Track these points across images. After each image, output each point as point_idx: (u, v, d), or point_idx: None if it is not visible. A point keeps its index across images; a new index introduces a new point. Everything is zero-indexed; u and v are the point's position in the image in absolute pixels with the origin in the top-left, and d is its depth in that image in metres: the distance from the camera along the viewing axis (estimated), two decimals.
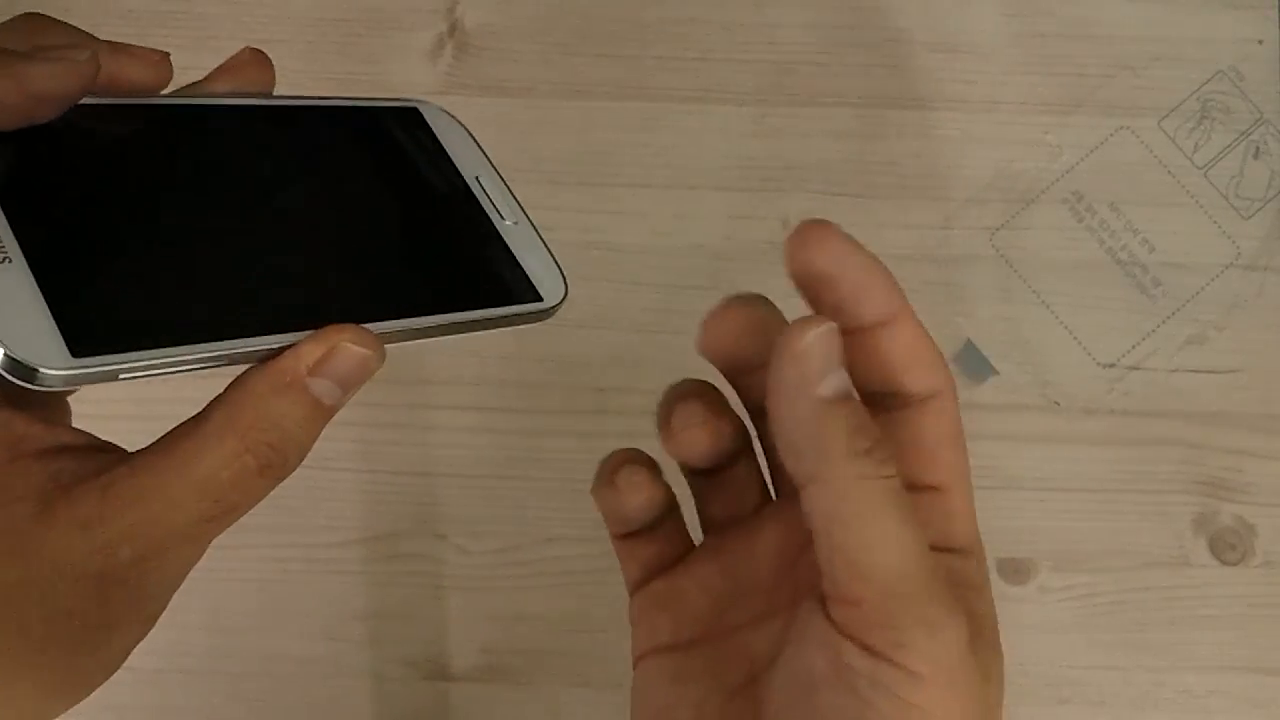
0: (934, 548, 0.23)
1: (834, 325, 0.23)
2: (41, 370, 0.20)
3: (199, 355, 0.22)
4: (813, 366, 0.22)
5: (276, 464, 0.23)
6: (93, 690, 0.24)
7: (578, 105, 0.52)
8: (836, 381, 0.22)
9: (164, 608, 0.25)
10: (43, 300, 0.21)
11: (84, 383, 0.21)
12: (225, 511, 0.23)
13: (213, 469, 0.22)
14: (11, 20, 0.24)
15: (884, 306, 0.24)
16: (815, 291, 0.24)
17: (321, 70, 0.53)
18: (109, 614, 0.23)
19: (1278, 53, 0.53)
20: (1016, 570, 0.48)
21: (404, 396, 0.49)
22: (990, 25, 0.54)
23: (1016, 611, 0.48)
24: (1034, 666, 0.47)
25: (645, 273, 0.50)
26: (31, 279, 0.21)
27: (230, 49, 0.53)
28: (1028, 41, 0.53)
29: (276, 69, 0.57)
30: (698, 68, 0.53)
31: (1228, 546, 0.48)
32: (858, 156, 0.52)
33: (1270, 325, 0.50)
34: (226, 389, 0.23)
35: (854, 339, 0.24)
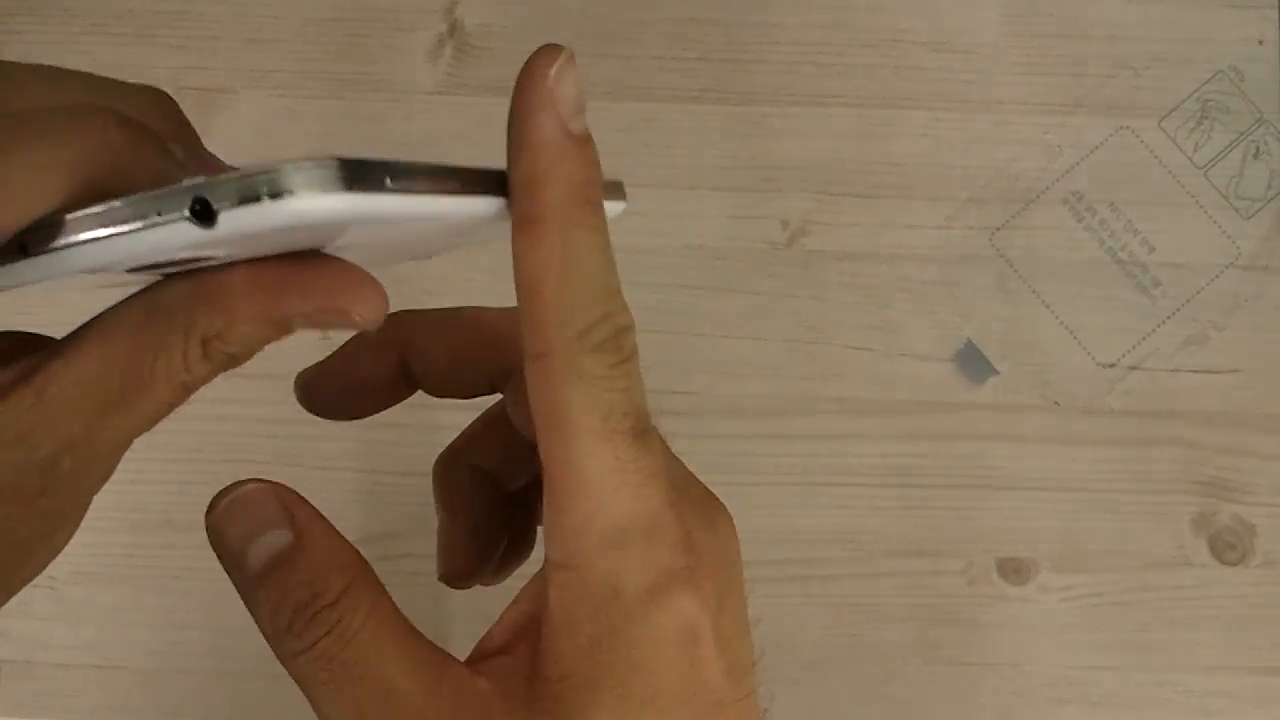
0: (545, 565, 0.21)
1: (259, 485, 0.21)
2: (312, 170, 0.17)
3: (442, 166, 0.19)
4: (229, 547, 0.21)
5: (231, 366, 0.21)
6: (10, 599, 0.22)
7: None
8: (256, 553, 0.21)
9: (93, 498, 0.22)
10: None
11: (357, 199, 0.17)
12: (174, 408, 0.21)
13: (170, 370, 0.20)
14: (146, 91, 0.22)
15: (517, 206, 0.21)
16: None
17: (321, 70, 0.53)
18: (45, 527, 0.21)
19: (1278, 53, 0.53)
20: (1016, 570, 0.48)
21: None
22: (990, 25, 0.54)
23: (1016, 611, 0.48)
24: (1034, 666, 0.47)
25: (645, 273, 0.50)
26: None
27: (230, 49, 0.53)
28: (1028, 41, 0.53)
29: (276, 69, 0.57)
30: (698, 68, 0.53)
31: (1228, 546, 0.48)
32: (858, 156, 0.52)
33: (1270, 325, 0.50)
34: (195, 282, 0.20)
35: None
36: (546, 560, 0.21)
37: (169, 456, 0.48)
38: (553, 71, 0.20)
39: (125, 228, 0.18)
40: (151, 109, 0.21)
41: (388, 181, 0.18)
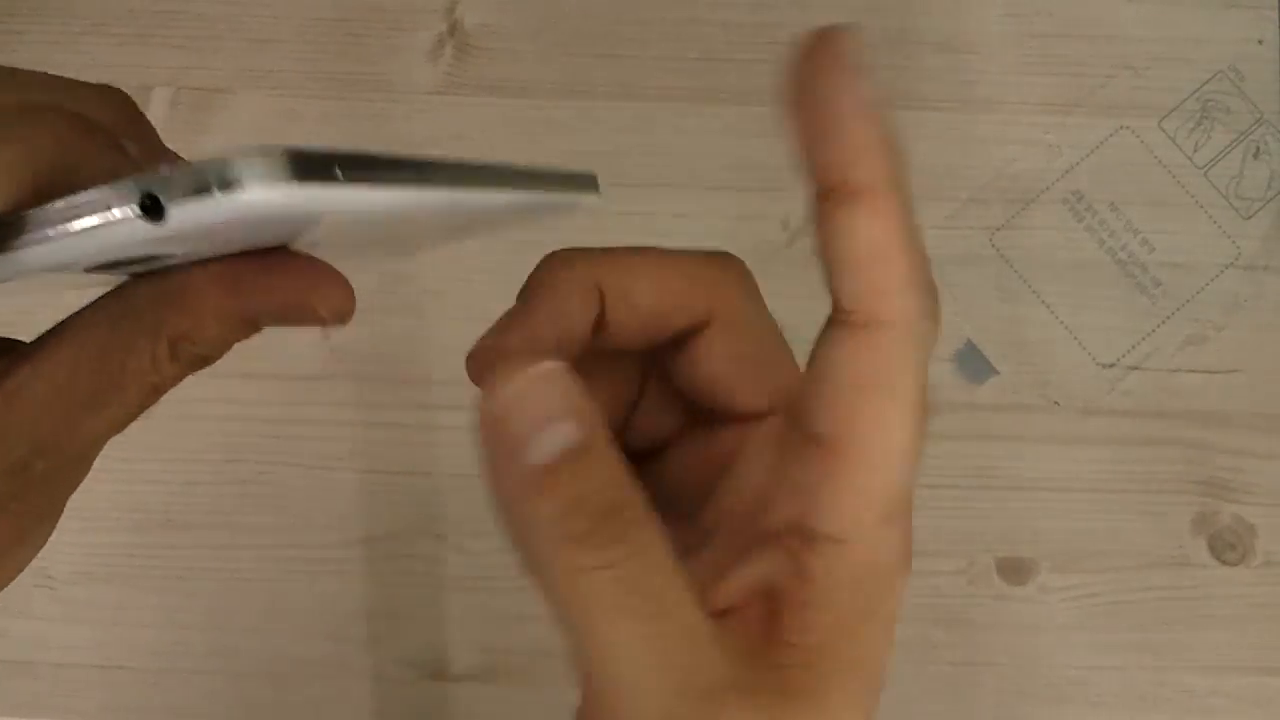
0: (775, 531, 0.20)
1: (554, 366, 0.18)
2: (255, 161, 0.16)
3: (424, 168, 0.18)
4: (512, 431, 0.18)
5: (200, 367, 0.21)
6: None
7: (578, 105, 0.52)
8: (548, 443, 0.18)
9: (68, 499, 0.22)
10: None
11: (306, 190, 0.17)
12: (144, 409, 0.21)
13: (140, 371, 0.20)
14: (102, 91, 0.22)
15: (852, 178, 0.19)
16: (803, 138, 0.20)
17: (321, 70, 0.53)
18: (19, 531, 0.21)
19: (1278, 53, 0.53)
20: (1016, 570, 0.48)
21: (404, 396, 0.49)
22: (990, 25, 0.54)
23: (1016, 611, 0.48)
24: (1034, 666, 0.47)
25: None
26: None
27: (230, 49, 0.53)
28: (1028, 41, 0.53)
29: (276, 69, 0.57)
30: (698, 68, 0.53)
31: (1228, 546, 0.48)
32: None
33: (1270, 325, 0.50)
34: (161, 282, 0.20)
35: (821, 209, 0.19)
36: (799, 528, 0.20)
37: (169, 456, 0.48)
38: (854, 47, 0.19)
39: (75, 226, 0.18)
40: (105, 107, 0.21)
41: (338, 173, 0.17)
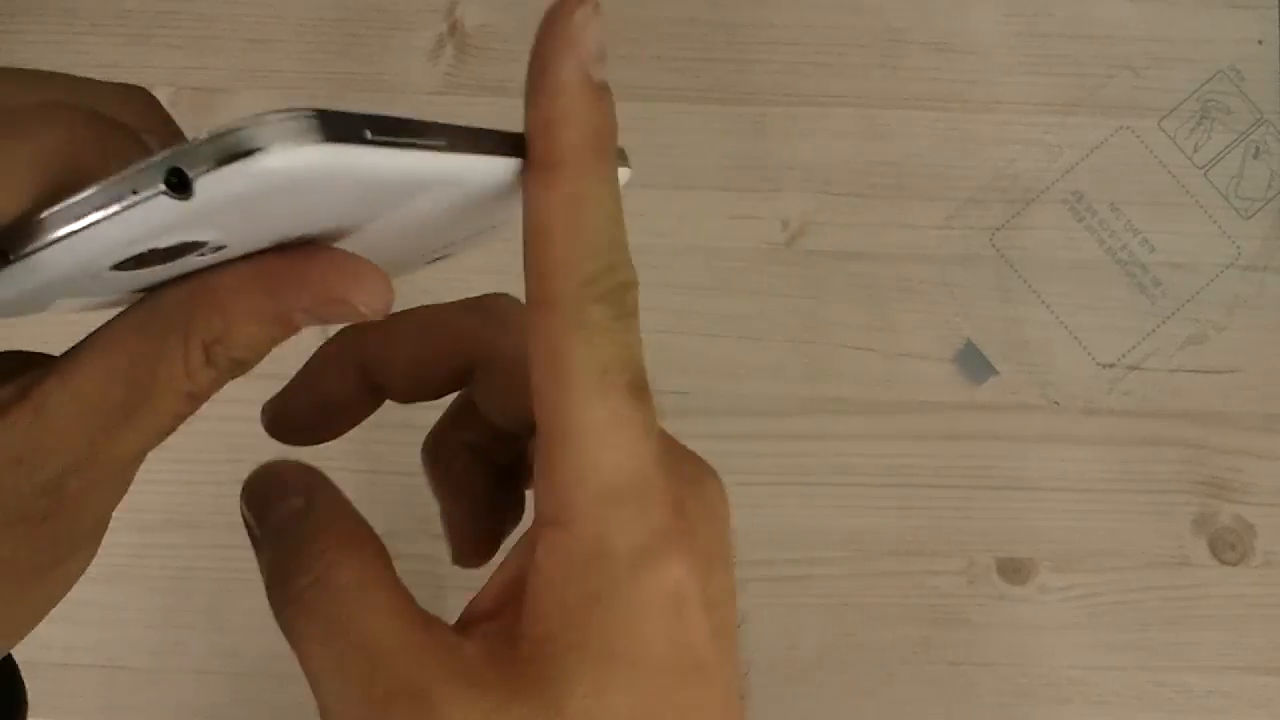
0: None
1: (283, 461, 0.23)
2: (282, 131, 0.16)
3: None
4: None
5: (238, 373, 0.21)
6: (34, 627, 0.21)
7: None
8: (280, 511, 0.22)
9: (109, 518, 0.22)
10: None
11: (336, 151, 0.16)
12: (182, 420, 0.20)
13: (172, 379, 0.19)
14: (124, 89, 0.21)
15: (539, 149, 0.20)
16: None
17: (321, 70, 0.53)
18: (57, 552, 0.20)
19: (1278, 53, 0.53)
20: (1016, 570, 0.48)
21: None
22: (990, 25, 0.54)
23: (1016, 611, 0.48)
24: (1034, 666, 0.47)
25: (645, 273, 0.50)
26: None
27: (230, 49, 0.53)
28: (1028, 41, 0.53)
29: (276, 69, 0.57)
30: (698, 68, 0.53)
31: (1228, 546, 0.48)
32: (858, 156, 0.52)
33: (1270, 325, 0.50)
34: (189, 285, 0.20)
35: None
36: (535, 517, 0.21)
37: (170, 456, 0.48)
38: (577, 17, 0.19)
39: (102, 214, 0.17)
40: (126, 104, 0.21)
41: (367, 134, 0.17)
